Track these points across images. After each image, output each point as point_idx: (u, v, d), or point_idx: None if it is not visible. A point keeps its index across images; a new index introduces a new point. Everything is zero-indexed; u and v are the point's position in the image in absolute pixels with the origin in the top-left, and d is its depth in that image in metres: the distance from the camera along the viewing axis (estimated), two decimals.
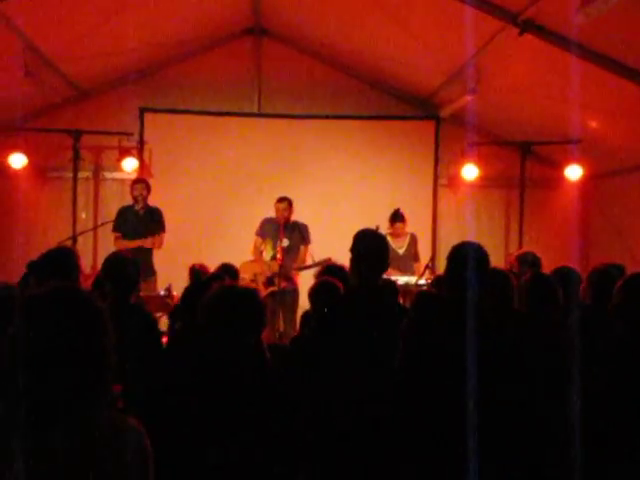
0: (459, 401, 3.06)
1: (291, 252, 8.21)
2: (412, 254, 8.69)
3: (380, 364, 3.65)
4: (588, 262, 8.92)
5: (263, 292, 7.99)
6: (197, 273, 6.26)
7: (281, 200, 8.21)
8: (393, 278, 7.23)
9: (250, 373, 2.83)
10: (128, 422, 1.93)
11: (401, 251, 8.68)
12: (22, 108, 8.75)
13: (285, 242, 8.15)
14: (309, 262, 8.04)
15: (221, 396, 2.75)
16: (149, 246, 8.12)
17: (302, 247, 8.29)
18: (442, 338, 3.34)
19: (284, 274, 8.06)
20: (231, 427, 2.71)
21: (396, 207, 8.69)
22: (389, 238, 8.63)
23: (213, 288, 3.01)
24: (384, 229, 7.96)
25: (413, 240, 8.78)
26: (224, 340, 2.83)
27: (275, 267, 8.04)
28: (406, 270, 8.35)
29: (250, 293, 2.97)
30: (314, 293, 4.94)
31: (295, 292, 8.24)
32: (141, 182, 8.54)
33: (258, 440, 2.73)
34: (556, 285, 4.27)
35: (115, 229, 8.34)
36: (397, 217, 8.63)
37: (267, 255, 8.26)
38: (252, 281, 8.12)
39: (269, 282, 8.11)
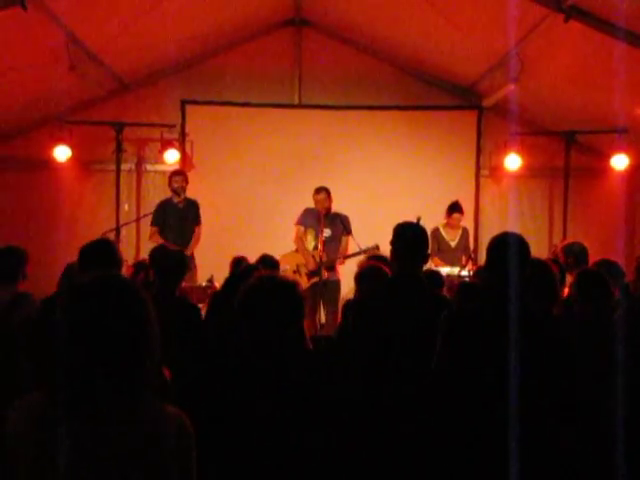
0: (499, 392, 3.02)
1: (333, 242, 8.20)
2: (463, 247, 8.61)
3: (418, 355, 3.63)
4: (634, 253, 8.78)
5: (305, 283, 8.00)
6: (238, 263, 6.30)
7: (319, 191, 8.18)
8: (436, 269, 7.17)
9: (288, 366, 2.82)
10: (171, 409, 1.94)
11: (453, 243, 8.64)
12: (66, 101, 8.87)
13: (327, 232, 8.13)
14: (355, 250, 8.00)
15: (259, 389, 2.75)
16: (189, 253, 8.04)
17: (344, 238, 8.27)
18: (483, 330, 3.30)
19: (327, 265, 8.06)
20: (270, 418, 2.71)
21: (454, 199, 8.65)
22: (442, 229, 8.60)
23: (251, 278, 3.00)
24: (435, 221, 7.94)
25: (466, 233, 8.74)
26: (260, 331, 2.81)
27: (319, 257, 8.03)
28: (457, 262, 8.28)
29: (287, 284, 2.95)
30: (360, 276, 4.91)
31: (337, 283, 8.23)
32: (180, 174, 8.61)
33: (297, 430, 2.72)
34: (606, 279, 4.18)
35: (153, 223, 8.40)
36: (455, 208, 8.56)
37: (309, 245, 8.26)
38: (295, 272, 8.13)
39: (312, 273, 8.11)
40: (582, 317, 4.01)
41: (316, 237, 8.16)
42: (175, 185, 8.44)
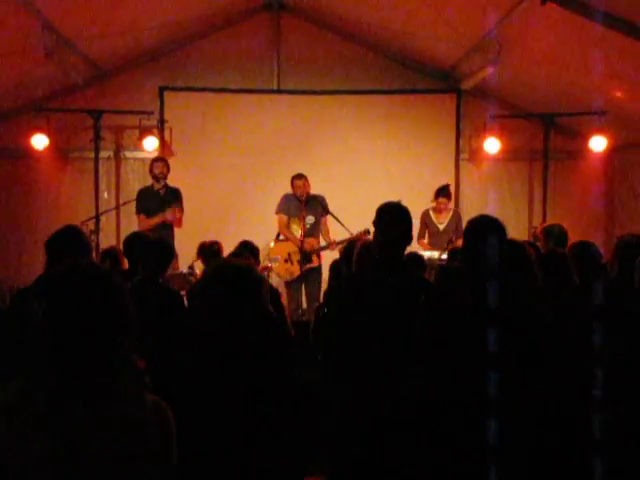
0: (479, 371, 3.05)
1: (317, 227, 8.24)
2: (453, 230, 8.57)
3: (399, 334, 3.65)
4: (613, 234, 8.85)
5: (298, 271, 8.07)
6: (204, 250, 6.43)
7: (299, 177, 8.20)
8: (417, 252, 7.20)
9: (253, 346, 2.84)
10: (151, 396, 1.94)
11: (442, 227, 8.64)
12: (43, 89, 8.80)
13: (310, 219, 8.17)
14: (344, 233, 8.02)
15: (229, 371, 2.77)
16: (169, 218, 8.12)
17: (323, 219, 8.30)
18: (461, 312, 3.32)
19: (317, 251, 8.20)
20: (243, 399, 2.73)
21: (444, 183, 8.70)
22: (431, 213, 8.62)
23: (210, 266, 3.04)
24: (414, 203, 7.94)
25: (456, 217, 8.68)
26: (221, 315, 2.84)
27: (312, 242, 8.10)
28: (445, 246, 8.29)
29: (244, 268, 2.97)
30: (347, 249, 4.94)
31: (318, 270, 8.26)
32: (161, 160, 8.58)
33: (268, 404, 2.76)
34: (568, 261, 4.21)
35: (138, 211, 8.37)
36: (441, 191, 8.58)
37: (296, 234, 8.26)
38: (286, 261, 8.18)
39: (305, 259, 8.14)
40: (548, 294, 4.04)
41: (300, 224, 8.17)
42: (156, 171, 8.40)
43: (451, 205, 8.80)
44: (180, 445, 1.96)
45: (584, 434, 3.43)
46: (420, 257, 5.92)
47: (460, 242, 8.12)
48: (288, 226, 8.32)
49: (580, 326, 3.67)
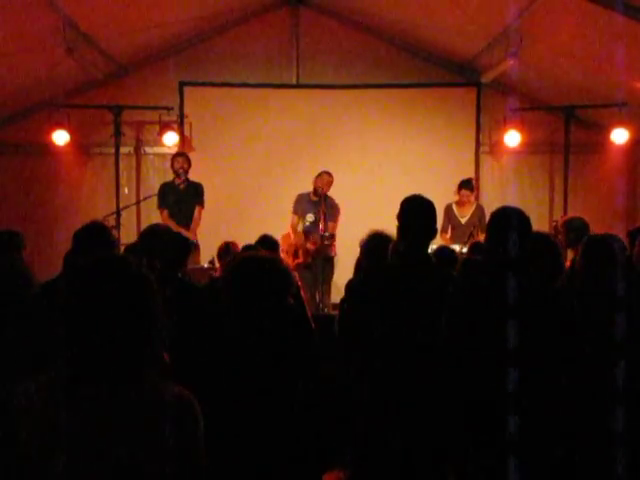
0: (504, 365, 3.04)
1: (316, 225, 8.29)
2: (475, 224, 8.50)
3: (423, 328, 3.64)
4: (634, 226, 8.76)
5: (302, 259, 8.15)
6: (227, 250, 6.42)
7: (329, 174, 8.26)
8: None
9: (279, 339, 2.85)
10: (178, 388, 1.95)
11: (464, 220, 8.59)
12: (63, 85, 8.85)
13: (310, 217, 8.32)
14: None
15: (249, 365, 2.78)
16: (190, 236, 8.07)
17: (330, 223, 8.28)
18: (486, 304, 3.31)
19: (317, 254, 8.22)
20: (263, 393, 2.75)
21: (468, 177, 8.71)
22: (454, 206, 8.58)
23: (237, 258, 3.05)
24: (435, 196, 7.90)
25: (479, 211, 8.61)
26: (246, 307, 2.84)
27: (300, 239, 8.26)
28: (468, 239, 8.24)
29: (270, 260, 2.97)
30: (366, 251, 4.92)
31: (331, 260, 8.28)
32: (182, 155, 8.61)
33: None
34: (613, 247, 4.12)
35: (160, 205, 8.42)
36: (464, 184, 8.55)
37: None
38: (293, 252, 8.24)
39: (295, 255, 8.21)
40: (584, 286, 3.97)
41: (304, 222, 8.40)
42: (176, 166, 8.44)
43: (474, 198, 8.76)
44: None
45: (606, 424, 3.41)
46: (451, 251, 5.84)
47: (481, 236, 8.19)
48: (296, 225, 8.46)
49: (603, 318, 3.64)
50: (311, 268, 8.17)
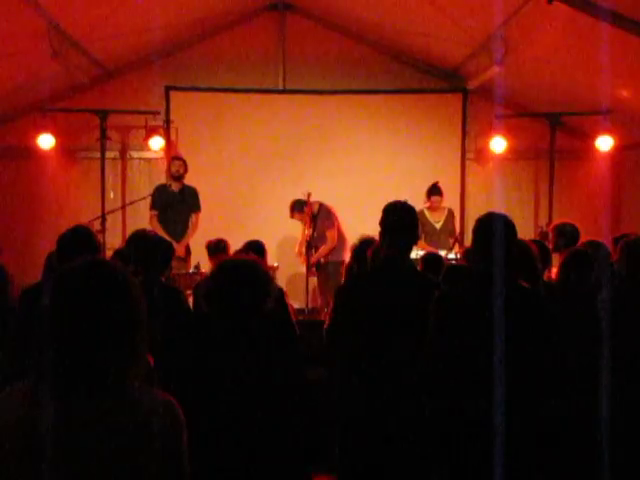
0: (490, 371, 3.05)
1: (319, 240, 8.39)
2: (449, 229, 8.60)
3: (403, 333, 3.65)
4: (619, 233, 8.81)
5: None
6: (210, 248, 6.47)
7: (300, 210, 8.31)
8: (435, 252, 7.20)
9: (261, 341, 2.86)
10: (161, 394, 1.94)
11: (438, 225, 8.63)
12: (49, 89, 8.79)
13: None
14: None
15: (231, 368, 2.79)
16: (183, 245, 8.16)
17: (328, 233, 8.31)
18: (471, 311, 3.32)
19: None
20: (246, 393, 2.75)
21: (435, 181, 8.66)
22: (426, 212, 8.60)
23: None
24: (420, 203, 7.93)
25: (451, 215, 8.72)
26: (224, 309, 2.86)
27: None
28: (442, 245, 8.27)
29: (248, 263, 3.00)
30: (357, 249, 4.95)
31: (336, 265, 8.32)
32: (179, 159, 8.66)
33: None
34: (590, 259, 4.22)
35: (153, 206, 8.43)
36: (434, 190, 8.57)
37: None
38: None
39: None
40: (562, 293, 4.05)
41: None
42: (174, 169, 8.52)
43: (445, 203, 8.79)
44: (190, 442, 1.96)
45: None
46: (439, 257, 5.90)
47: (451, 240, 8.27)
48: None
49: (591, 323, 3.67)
50: (322, 272, 8.36)
